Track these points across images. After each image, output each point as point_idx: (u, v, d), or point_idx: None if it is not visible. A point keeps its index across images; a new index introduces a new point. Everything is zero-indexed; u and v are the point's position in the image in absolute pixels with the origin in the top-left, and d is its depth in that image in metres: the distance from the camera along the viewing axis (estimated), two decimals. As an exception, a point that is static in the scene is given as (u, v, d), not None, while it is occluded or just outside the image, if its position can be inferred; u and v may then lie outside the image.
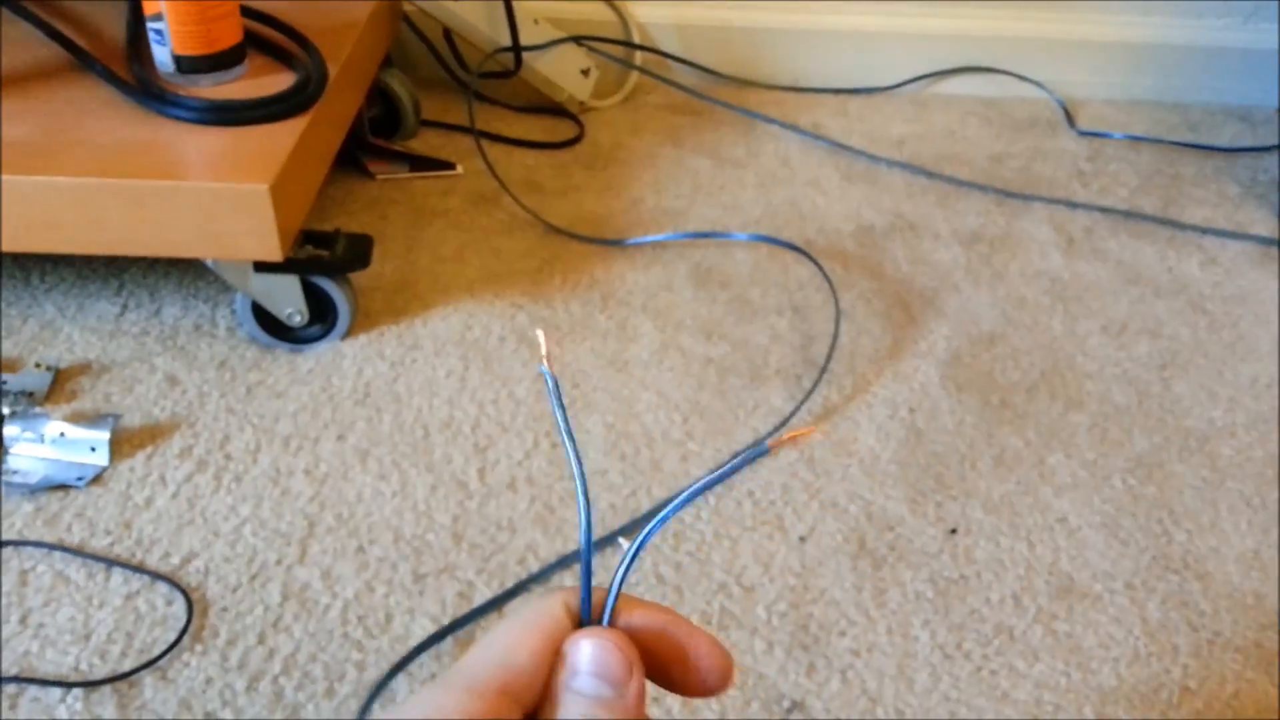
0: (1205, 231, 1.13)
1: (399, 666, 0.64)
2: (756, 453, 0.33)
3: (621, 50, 1.34)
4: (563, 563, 0.72)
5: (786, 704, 0.64)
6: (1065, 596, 0.73)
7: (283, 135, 0.83)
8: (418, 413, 0.83)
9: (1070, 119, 1.34)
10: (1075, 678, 0.68)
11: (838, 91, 1.38)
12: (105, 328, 0.89)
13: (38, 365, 0.82)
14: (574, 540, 0.74)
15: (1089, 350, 0.95)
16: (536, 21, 1.26)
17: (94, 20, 0.98)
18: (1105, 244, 1.10)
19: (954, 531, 0.78)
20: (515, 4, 1.19)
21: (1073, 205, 1.16)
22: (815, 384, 0.88)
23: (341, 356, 0.88)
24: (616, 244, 1.05)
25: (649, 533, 0.31)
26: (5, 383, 0.79)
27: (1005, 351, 0.94)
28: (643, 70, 1.34)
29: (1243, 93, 1.39)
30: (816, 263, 1.03)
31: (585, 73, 1.29)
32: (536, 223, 1.07)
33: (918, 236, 1.10)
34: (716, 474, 0.33)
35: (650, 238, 1.06)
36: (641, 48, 1.35)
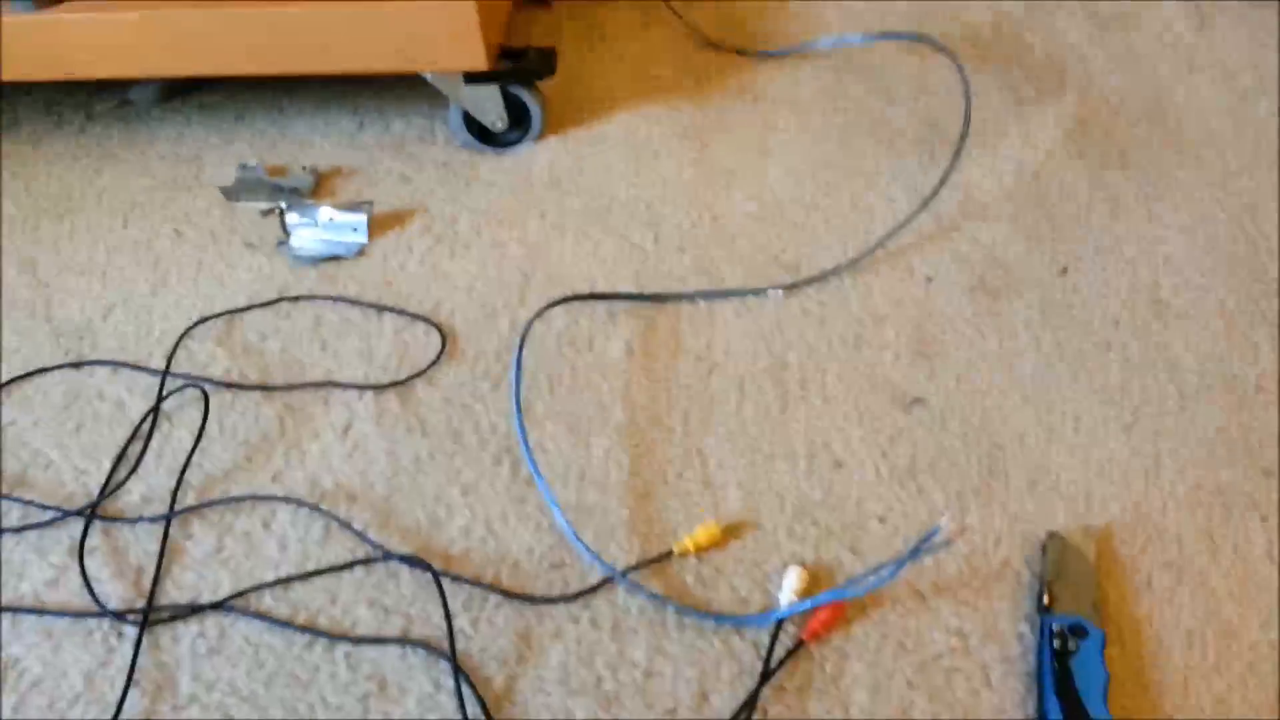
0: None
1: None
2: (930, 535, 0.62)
3: None
4: (723, 295, 0.88)
5: (910, 400, 0.80)
6: (1162, 314, 0.84)
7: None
8: (600, 194, 1.00)
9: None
10: (1161, 377, 0.80)
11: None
12: (346, 141, 1.08)
13: (303, 168, 1.02)
14: (726, 284, 0.90)
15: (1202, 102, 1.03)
16: None
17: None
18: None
19: (1065, 270, 0.89)
20: None
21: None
22: (961, 144, 0.99)
23: (536, 155, 1.05)
24: (764, 55, 1.17)
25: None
26: (280, 183, 1.00)
27: (1129, 115, 1.03)
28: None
29: None
30: (942, 47, 1.12)
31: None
32: (694, 34, 1.20)
33: (1050, 15, 1.17)
34: (897, 564, 0.61)
35: (785, 49, 1.17)
36: None
